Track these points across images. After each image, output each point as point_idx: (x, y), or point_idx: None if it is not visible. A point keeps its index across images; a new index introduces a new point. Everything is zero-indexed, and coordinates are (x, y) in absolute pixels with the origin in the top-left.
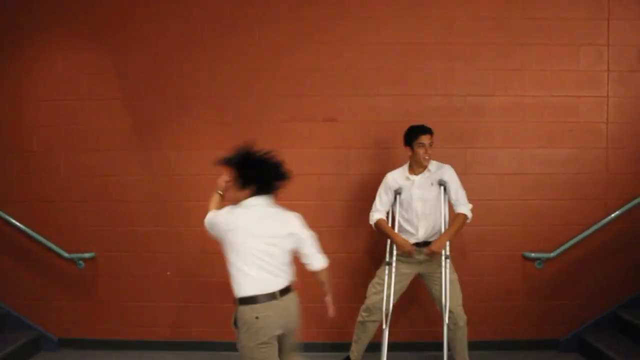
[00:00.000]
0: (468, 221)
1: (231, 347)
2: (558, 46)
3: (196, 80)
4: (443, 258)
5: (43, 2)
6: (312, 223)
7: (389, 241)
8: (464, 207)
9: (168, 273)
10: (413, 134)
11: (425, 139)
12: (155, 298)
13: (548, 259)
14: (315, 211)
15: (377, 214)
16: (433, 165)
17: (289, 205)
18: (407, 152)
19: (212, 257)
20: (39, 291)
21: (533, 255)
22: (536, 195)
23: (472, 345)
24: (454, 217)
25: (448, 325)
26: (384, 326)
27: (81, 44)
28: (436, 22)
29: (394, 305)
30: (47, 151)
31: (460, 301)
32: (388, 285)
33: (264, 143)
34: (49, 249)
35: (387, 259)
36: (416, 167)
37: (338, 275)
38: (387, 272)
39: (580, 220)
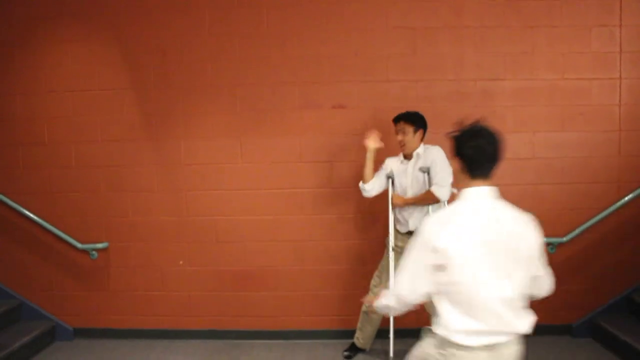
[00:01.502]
0: (438, 201)
1: (243, 335)
2: (569, 28)
3: (205, 69)
4: None
5: None
6: (324, 210)
7: (390, 227)
8: (440, 190)
9: (180, 262)
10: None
11: (396, 126)
12: (168, 287)
13: (561, 244)
14: (327, 199)
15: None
16: (422, 149)
17: (301, 192)
18: None
19: (223, 246)
20: (53, 282)
21: (545, 239)
22: (548, 179)
23: None
24: (426, 192)
25: None
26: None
27: (91, 35)
28: (445, 6)
29: None
30: (59, 143)
31: None
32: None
33: (274, 131)
34: (63, 240)
35: (392, 244)
36: (403, 152)
37: (349, 262)
38: (392, 256)
39: (593, 204)
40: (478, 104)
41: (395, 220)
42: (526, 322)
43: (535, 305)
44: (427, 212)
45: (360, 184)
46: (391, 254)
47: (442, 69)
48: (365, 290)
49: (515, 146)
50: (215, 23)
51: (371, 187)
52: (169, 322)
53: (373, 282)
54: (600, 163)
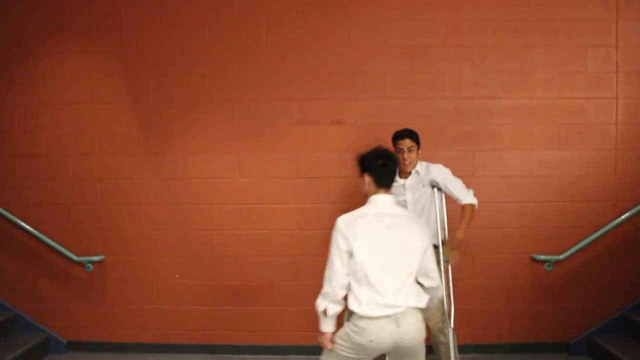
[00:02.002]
0: (476, 207)
1: (239, 349)
2: (566, 47)
3: (203, 84)
4: (442, 262)
5: (50, 7)
6: (321, 226)
7: None
8: (468, 197)
9: (176, 276)
10: (393, 140)
11: (402, 144)
12: (163, 301)
13: (557, 261)
14: (324, 214)
15: None
16: (422, 166)
17: (298, 207)
18: None
19: (219, 260)
20: (48, 294)
21: (542, 257)
22: (545, 197)
23: (482, 348)
24: (462, 209)
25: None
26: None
27: (89, 48)
28: (443, 25)
29: None
30: (56, 155)
31: (441, 317)
32: None
33: (272, 146)
34: (58, 252)
35: None
36: (400, 172)
37: None
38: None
39: (590, 222)
40: (475, 122)
41: None
42: (420, 299)
43: (532, 321)
44: (436, 220)
45: None
46: None
47: (440, 86)
48: None
49: (512, 164)
50: (215, 38)
51: None
52: (164, 336)
53: None
54: (597, 181)
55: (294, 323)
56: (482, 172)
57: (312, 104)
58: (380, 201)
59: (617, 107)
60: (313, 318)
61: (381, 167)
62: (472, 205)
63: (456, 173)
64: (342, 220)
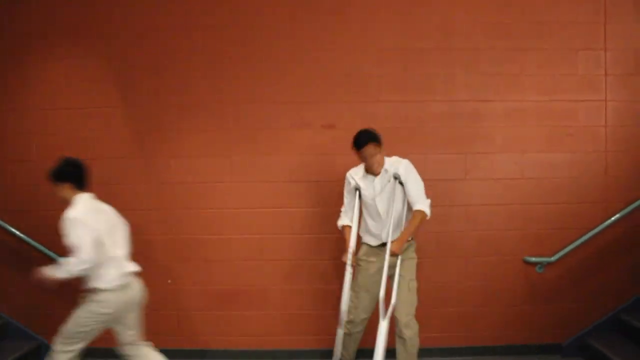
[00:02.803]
0: (427, 218)
1: (233, 354)
2: (557, 50)
3: (197, 88)
4: (399, 259)
5: (44, 12)
6: (313, 230)
7: (352, 241)
8: (421, 204)
9: (169, 281)
10: (354, 148)
11: (365, 151)
12: (156, 306)
13: (549, 263)
14: (316, 218)
15: (342, 220)
16: (389, 162)
17: (290, 211)
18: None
19: (212, 264)
20: (40, 300)
21: (534, 259)
22: (536, 199)
23: (475, 351)
24: (412, 214)
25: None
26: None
27: (81, 53)
28: (436, 28)
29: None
30: (47, 160)
31: (412, 310)
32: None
33: (265, 150)
34: (50, 259)
35: (350, 260)
36: (371, 172)
37: (338, 282)
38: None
39: (581, 224)
40: (468, 125)
41: (366, 233)
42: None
43: (525, 324)
44: (403, 215)
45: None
46: (350, 270)
47: (432, 89)
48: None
49: (503, 166)
50: (208, 42)
51: (347, 209)
52: (156, 341)
53: (350, 304)
54: (588, 183)
55: (288, 327)
56: (474, 175)
57: (305, 108)
58: (87, 199)
59: (606, 109)
60: (306, 322)
61: (78, 174)
62: (422, 213)
63: (449, 176)
64: (77, 215)
